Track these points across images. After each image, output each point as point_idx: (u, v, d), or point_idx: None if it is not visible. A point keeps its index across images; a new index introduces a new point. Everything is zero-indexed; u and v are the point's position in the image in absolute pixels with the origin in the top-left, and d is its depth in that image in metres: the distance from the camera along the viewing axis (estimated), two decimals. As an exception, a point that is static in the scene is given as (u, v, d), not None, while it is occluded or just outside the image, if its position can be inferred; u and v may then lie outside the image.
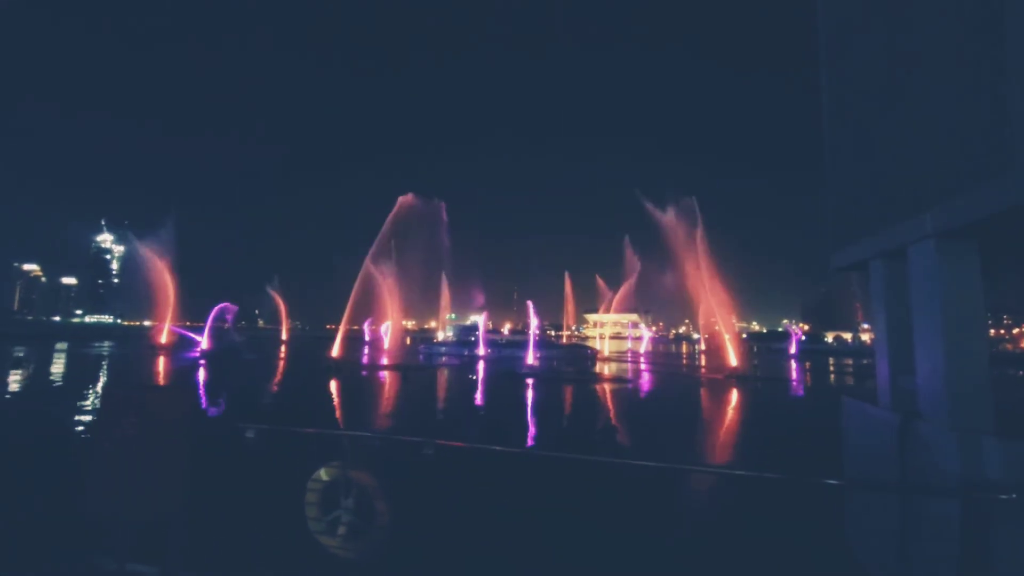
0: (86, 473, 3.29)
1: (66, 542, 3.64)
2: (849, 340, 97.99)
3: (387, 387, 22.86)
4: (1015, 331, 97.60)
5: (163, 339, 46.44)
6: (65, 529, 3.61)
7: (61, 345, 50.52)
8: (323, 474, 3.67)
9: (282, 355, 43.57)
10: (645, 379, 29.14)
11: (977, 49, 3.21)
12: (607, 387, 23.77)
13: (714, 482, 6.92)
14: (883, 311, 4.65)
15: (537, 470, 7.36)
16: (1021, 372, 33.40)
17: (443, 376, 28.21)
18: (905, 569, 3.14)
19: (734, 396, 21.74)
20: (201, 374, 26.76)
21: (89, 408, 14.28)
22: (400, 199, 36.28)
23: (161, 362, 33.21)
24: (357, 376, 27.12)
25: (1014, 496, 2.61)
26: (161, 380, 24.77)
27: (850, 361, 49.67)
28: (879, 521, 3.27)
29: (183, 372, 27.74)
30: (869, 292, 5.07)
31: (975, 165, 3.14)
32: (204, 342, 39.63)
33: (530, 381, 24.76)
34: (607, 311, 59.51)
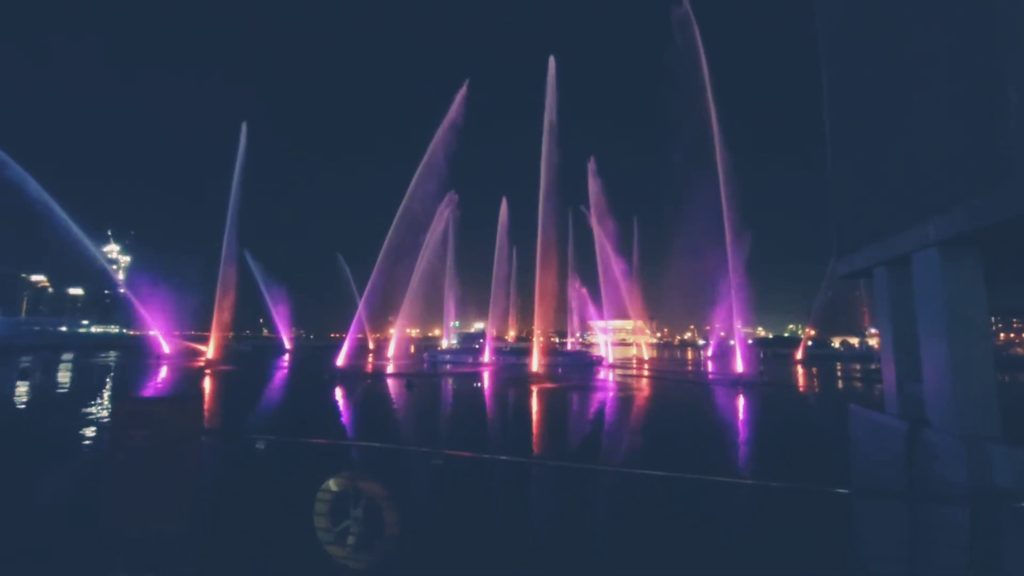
0: (102, 485, 3.33)
1: (80, 554, 3.67)
2: (856, 345, 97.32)
3: (392, 396, 22.87)
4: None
5: (167, 349, 46.67)
6: (81, 540, 3.65)
7: (67, 356, 50.86)
8: (332, 485, 3.70)
9: (285, 364, 43.74)
10: (651, 386, 29.01)
11: (975, 61, 3.26)
12: (612, 395, 23.68)
13: (720, 491, 6.89)
14: (888, 318, 4.67)
15: (545, 479, 7.35)
16: (1031, 376, 33.02)
17: (448, 384, 28.19)
18: (916, 579, 3.13)
19: (740, 403, 21.61)
20: (207, 384, 26.86)
21: (99, 421, 14.34)
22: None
23: (164, 372, 33.36)
24: (362, 384, 27.16)
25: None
26: (167, 391, 24.88)
27: (857, 366, 49.28)
28: (888, 530, 3.26)
29: (188, 383, 27.84)
30: (875, 298, 5.08)
31: (976, 175, 3.17)
32: (209, 352, 39.76)
33: (535, 389, 24.69)
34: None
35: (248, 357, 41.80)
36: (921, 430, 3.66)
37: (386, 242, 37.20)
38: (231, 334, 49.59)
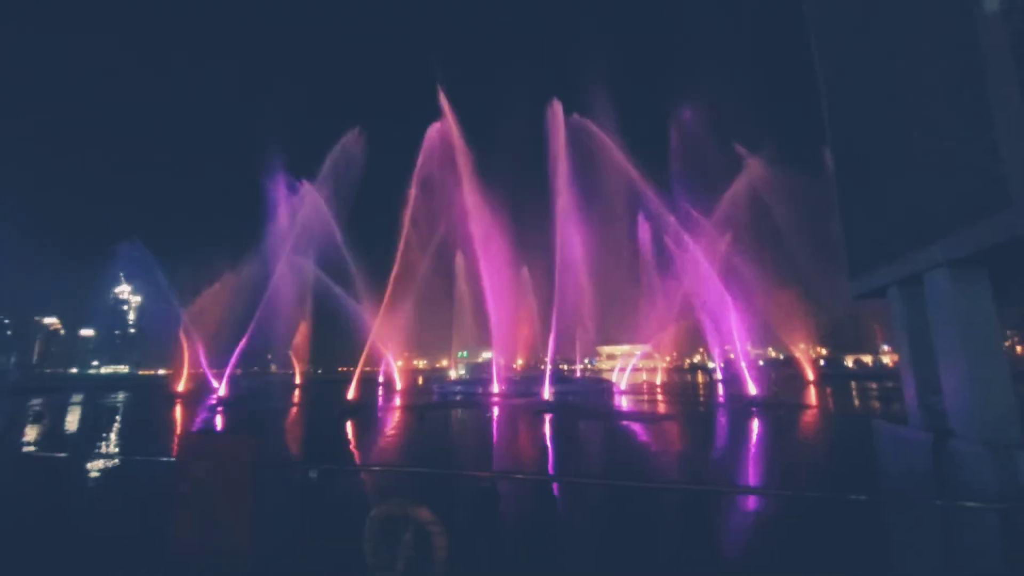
0: (160, 516, 3.53)
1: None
2: (869, 363, 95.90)
3: (405, 427, 22.83)
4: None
5: (180, 387, 46.89)
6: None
7: (77, 397, 51.03)
8: (386, 509, 3.89)
9: (296, 400, 43.70)
10: (665, 410, 28.74)
11: (967, 97, 3.59)
12: (628, 421, 23.52)
13: (755, 503, 6.92)
14: (905, 334, 4.87)
15: (594, 500, 7.40)
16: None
17: (459, 415, 28.07)
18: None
19: (756, 425, 21.40)
20: (218, 421, 26.90)
21: (151, 459, 14.45)
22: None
23: (179, 411, 33.42)
24: (374, 418, 27.11)
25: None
26: (195, 428, 24.93)
27: (874, 385, 48.54)
28: (922, 536, 3.38)
29: (205, 420, 27.89)
30: (890, 316, 5.30)
31: (977, 199, 3.45)
32: (222, 389, 39.91)
33: (548, 417, 24.56)
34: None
35: (260, 393, 41.85)
36: (946, 440, 3.82)
37: (392, 275, 37.73)
38: (239, 371, 49.71)
